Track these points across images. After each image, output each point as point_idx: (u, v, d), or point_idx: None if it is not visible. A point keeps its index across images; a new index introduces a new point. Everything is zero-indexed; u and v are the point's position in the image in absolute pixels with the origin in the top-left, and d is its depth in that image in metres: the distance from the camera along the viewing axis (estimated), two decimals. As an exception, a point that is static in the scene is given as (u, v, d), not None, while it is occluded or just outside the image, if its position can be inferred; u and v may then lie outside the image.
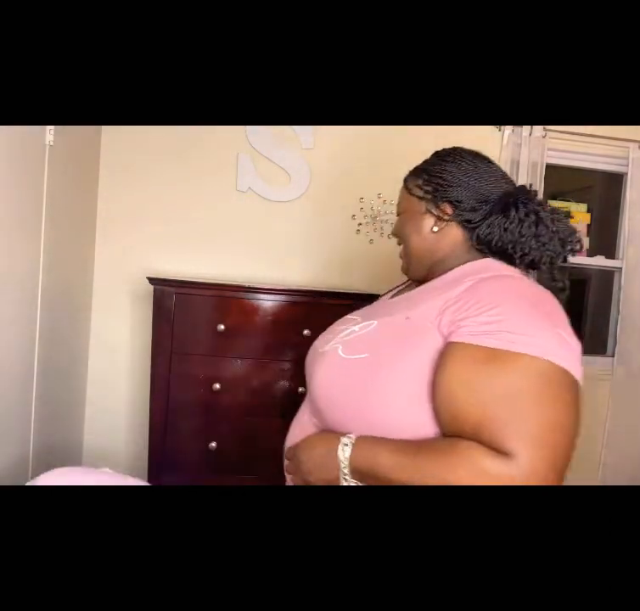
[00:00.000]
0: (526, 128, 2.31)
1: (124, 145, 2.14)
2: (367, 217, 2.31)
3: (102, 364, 2.22)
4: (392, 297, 1.08)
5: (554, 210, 0.94)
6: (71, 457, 2.14)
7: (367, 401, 0.84)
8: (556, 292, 0.91)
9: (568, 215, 0.95)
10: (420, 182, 1.02)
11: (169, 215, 2.20)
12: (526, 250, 0.92)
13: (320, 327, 1.94)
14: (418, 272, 1.02)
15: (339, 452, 0.82)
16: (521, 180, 2.24)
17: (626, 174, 2.42)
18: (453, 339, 0.80)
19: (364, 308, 1.10)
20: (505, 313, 0.79)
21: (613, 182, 2.59)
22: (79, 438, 2.22)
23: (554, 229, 0.92)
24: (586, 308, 3.03)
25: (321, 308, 1.95)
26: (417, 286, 1.01)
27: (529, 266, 0.94)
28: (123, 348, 2.21)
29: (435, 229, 0.98)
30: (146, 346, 1.81)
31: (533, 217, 0.92)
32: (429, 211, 0.99)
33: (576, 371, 0.79)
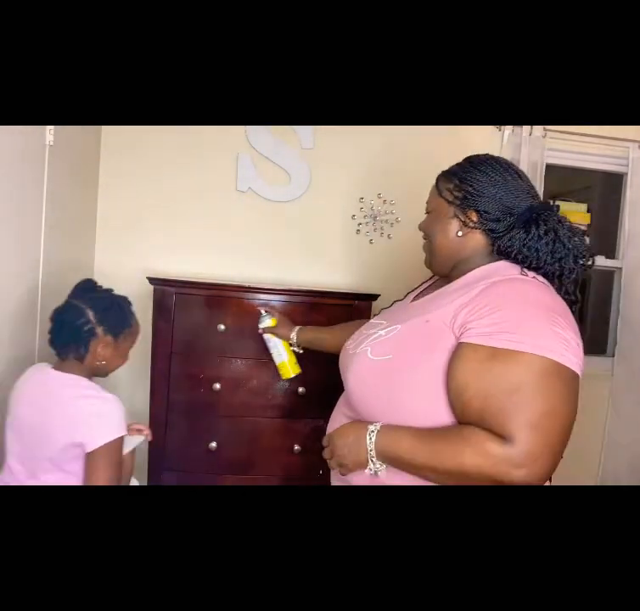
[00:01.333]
0: (526, 128, 2.31)
1: (124, 145, 2.14)
2: (367, 217, 2.31)
3: (102, 364, 2.22)
4: (414, 299, 1.18)
5: (571, 228, 1.02)
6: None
7: (393, 396, 0.96)
8: (568, 305, 0.99)
9: (584, 232, 1.04)
10: (451, 185, 1.09)
11: (169, 216, 2.20)
12: (541, 264, 1.00)
13: (320, 327, 1.94)
14: (441, 269, 1.12)
15: (367, 438, 0.95)
16: (521, 180, 2.24)
17: (626, 174, 2.42)
18: (463, 339, 0.91)
19: (388, 311, 1.21)
20: (506, 316, 0.89)
21: (613, 182, 2.59)
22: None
23: (570, 247, 1.00)
24: (586, 308, 3.03)
25: (321, 308, 1.95)
26: (438, 286, 1.11)
27: (546, 276, 1.01)
28: (123, 348, 2.20)
29: (460, 234, 1.07)
30: (146, 346, 1.80)
31: (552, 235, 1.00)
32: (456, 216, 1.07)
33: (574, 365, 0.88)
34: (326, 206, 2.28)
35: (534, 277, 0.99)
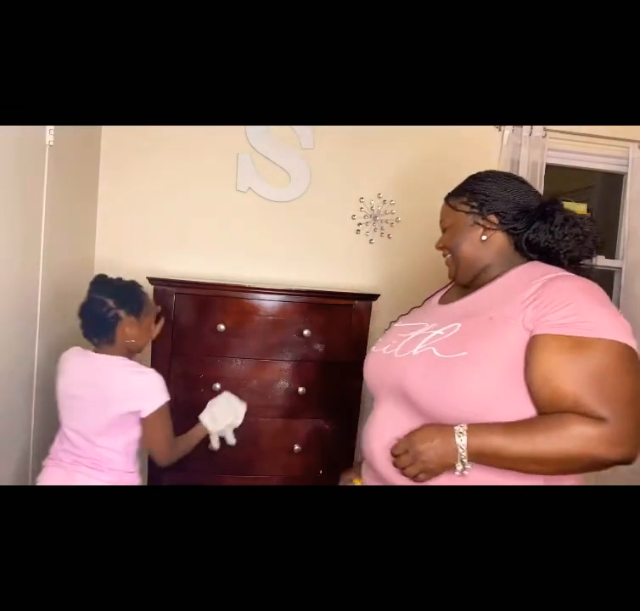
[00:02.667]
0: (526, 128, 2.30)
1: (124, 145, 2.14)
2: (367, 217, 2.31)
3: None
4: (442, 301, 1.22)
5: (582, 216, 1.13)
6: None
7: (472, 392, 0.98)
8: None
9: (592, 219, 1.14)
10: (465, 199, 1.17)
11: (169, 215, 2.20)
12: (570, 248, 1.10)
13: (320, 327, 1.95)
14: (466, 277, 1.18)
15: (457, 440, 0.95)
16: (521, 180, 2.24)
17: (626, 174, 2.42)
18: (540, 331, 0.96)
19: (417, 314, 1.25)
20: (578, 308, 0.96)
21: (613, 182, 2.59)
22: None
23: (587, 230, 1.11)
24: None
25: (321, 308, 1.95)
26: (463, 290, 1.18)
27: (571, 262, 1.11)
28: (123, 348, 2.21)
29: (484, 238, 1.15)
30: (146, 346, 1.80)
31: (571, 221, 1.11)
32: (476, 223, 1.15)
33: (637, 347, 0.97)
34: (326, 206, 2.28)
35: (567, 269, 1.08)
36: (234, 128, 2.17)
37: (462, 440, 0.95)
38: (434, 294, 1.31)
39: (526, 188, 1.17)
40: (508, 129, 2.32)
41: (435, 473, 0.98)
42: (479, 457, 0.95)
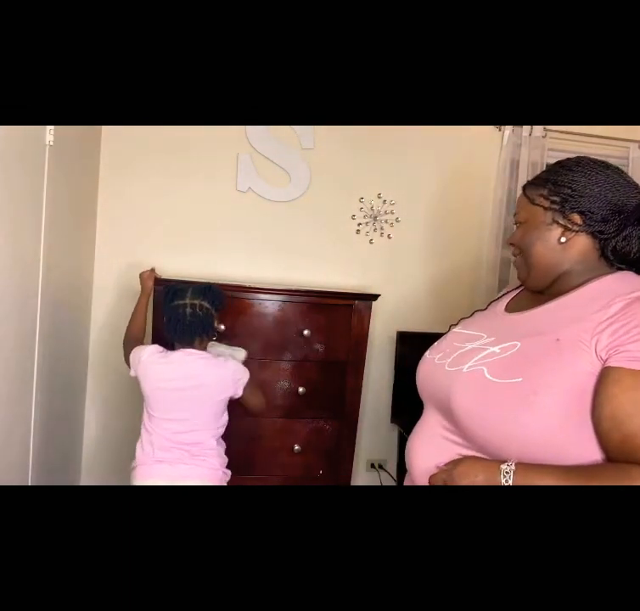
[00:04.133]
0: (526, 128, 2.31)
1: (124, 145, 2.14)
2: (367, 217, 2.31)
3: (102, 364, 2.22)
4: (508, 308, 1.06)
5: None
6: (71, 457, 2.14)
7: (526, 424, 0.85)
8: None
9: None
10: (545, 191, 0.98)
11: (169, 216, 2.20)
12: None
13: (320, 327, 1.95)
14: (540, 283, 1.01)
15: (502, 479, 0.83)
16: (521, 180, 2.25)
17: (626, 174, 2.42)
18: (614, 364, 0.81)
19: (479, 320, 1.08)
20: None
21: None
22: (79, 438, 2.22)
23: None
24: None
25: (321, 308, 1.95)
26: (536, 296, 1.02)
27: None
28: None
29: (563, 240, 0.96)
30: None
31: None
32: (556, 222, 0.97)
33: None
34: (326, 206, 2.28)
35: None
36: (234, 128, 2.17)
37: (507, 482, 0.83)
38: (501, 297, 1.13)
39: (625, 182, 0.96)
40: (508, 129, 2.32)
41: None
42: None
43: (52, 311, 1.69)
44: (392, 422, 2.30)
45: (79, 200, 1.96)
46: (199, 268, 2.21)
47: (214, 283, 1.65)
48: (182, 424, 1.55)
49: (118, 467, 2.27)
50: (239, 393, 1.59)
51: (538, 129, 2.31)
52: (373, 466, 2.42)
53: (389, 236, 2.34)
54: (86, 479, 2.25)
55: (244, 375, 1.60)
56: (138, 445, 1.58)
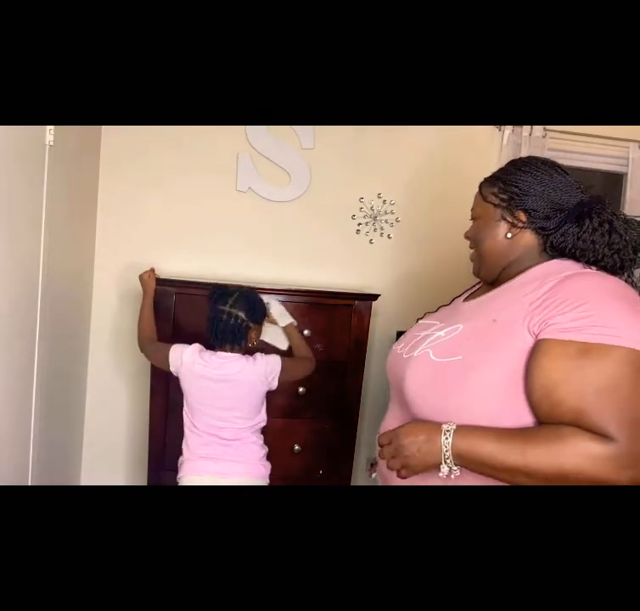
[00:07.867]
0: (526, 128, 2.31)
1: (124, 145, 2.14)
2: (367, 217, 2.31)
3: (102, 364, 2.22)
4: (465, 300, 1.14)
5: (627, 220, 1.00)
6: (71, 457, 2.14)
7: (466, 398, 0.92)
8: None
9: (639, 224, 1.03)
10: (496, 190, 1.07)
11: (169, 216, 2.20)
12: (599, 257, 0.97)
13: (320, 327, 1.95)
14: (490, 274, 1.09)
15: (442, 438, 0.89)
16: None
17: (626, 174, 2.42)
18: (544, 336, 0.87)
19: (439, 312, 1.17)
20: (594, 308, 0.85)
21: (613, 182, 2.59)
22: (79, 437, 2.22)
23: (627, 238, 0.98)
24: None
25: (321, 308, 1.95)
26: (489, 288, 1.08)
27: (609, 272, 0.98)
28: (123, 348, 2.21)
29: (509, 235, 1.05)
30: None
31: (606, 226, 0.98)
32: (503, 218, 1.05)
33: None
34: (326, 206, 2.28)
35: (598, 270, 0.96)
36: (234, 128, 2.17)
37: (447, 440, 0.88)
38: (464, 292, 1.23)
39: (567, 181, 1.04)
40: (508, 129, 2.32)
41: (416, 470, 0.91)
42: (465, 461, 0.88)
43: (52, 310, 1.68)
44: (392, 422, 2.30)
45: (79, 200, 1.96)
46: (200, 268, 2.21)
47: (257, 293, 1.67)
48: (221, 421, 1.61)
49: (118, 467, 2.28)
50: (274, 385, 1.65)
51: (538, 129, 2.31)
52: (373, 466, 2.42)
53: (389, 236, 2.34)
54: (86, 479, 2.25)
55: (275, 367, 1.64)
56: (183, 443, 1.65)
